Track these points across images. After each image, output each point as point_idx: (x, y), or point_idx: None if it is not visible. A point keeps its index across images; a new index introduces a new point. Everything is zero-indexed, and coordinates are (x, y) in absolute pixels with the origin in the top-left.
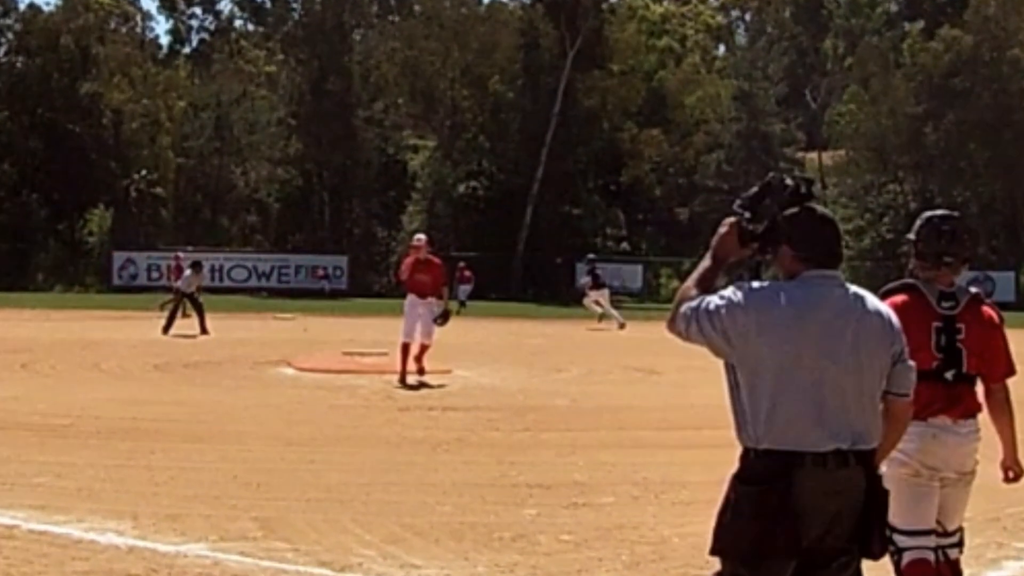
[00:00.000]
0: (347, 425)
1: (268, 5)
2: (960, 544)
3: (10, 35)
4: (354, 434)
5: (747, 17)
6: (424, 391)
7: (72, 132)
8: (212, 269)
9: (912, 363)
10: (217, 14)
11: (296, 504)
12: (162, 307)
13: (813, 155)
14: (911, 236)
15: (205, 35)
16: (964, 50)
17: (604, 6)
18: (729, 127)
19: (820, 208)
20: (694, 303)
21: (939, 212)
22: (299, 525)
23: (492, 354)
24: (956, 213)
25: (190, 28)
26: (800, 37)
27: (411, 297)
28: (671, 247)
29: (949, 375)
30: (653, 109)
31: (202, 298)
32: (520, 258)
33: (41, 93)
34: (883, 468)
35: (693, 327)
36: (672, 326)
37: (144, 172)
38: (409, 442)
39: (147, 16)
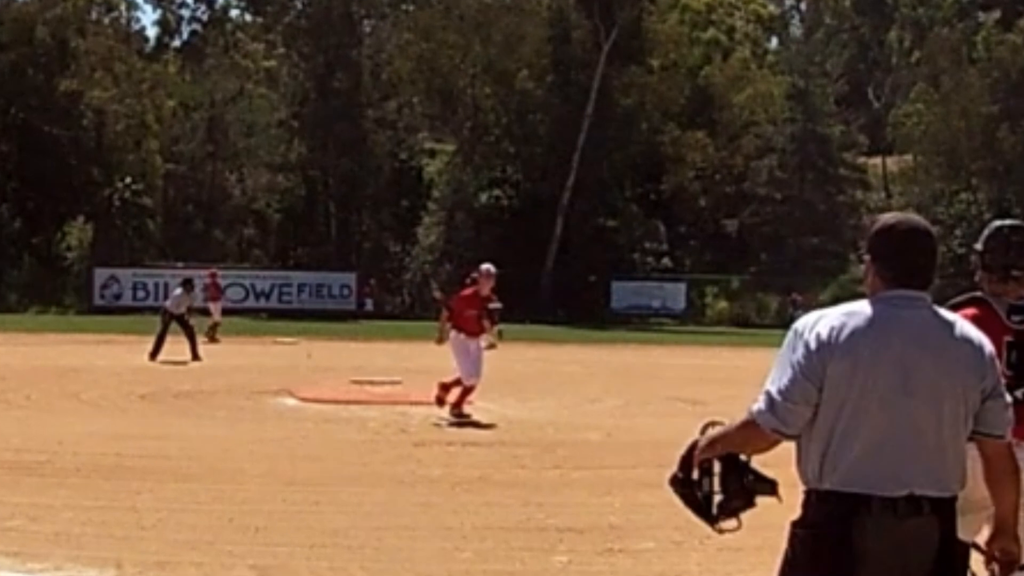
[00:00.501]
0: (356, 462)
1: None
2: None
3: None
4: (363, 472)
5: (803, 6)
6: (441, 425)
7: (49, 134)
8: (205, 288)
9: (1008, 399)
10: (211, 3)
11: (299, 550)
12: (210, 332)
13: (876, 161)
14: (978, 247)
15: (197, 26)
16: None
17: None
18: (783, 129)
19: (912, 217)
20: (767, 398)
21: (1009, 222)
22: (302, 573)
23: (518, 382)
24: (1021, 223)
25: (180, 19)
26: (862, 29)
27: (461, 336)
28: (717, 263)
29: (1020, 393)
30: (697, 109)
31: (193, 320)
32: (549, 275)
33: (14, 91)
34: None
35: (790, 419)
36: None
37: (129, 180)
38: (425, 481)
39: (132, 5)
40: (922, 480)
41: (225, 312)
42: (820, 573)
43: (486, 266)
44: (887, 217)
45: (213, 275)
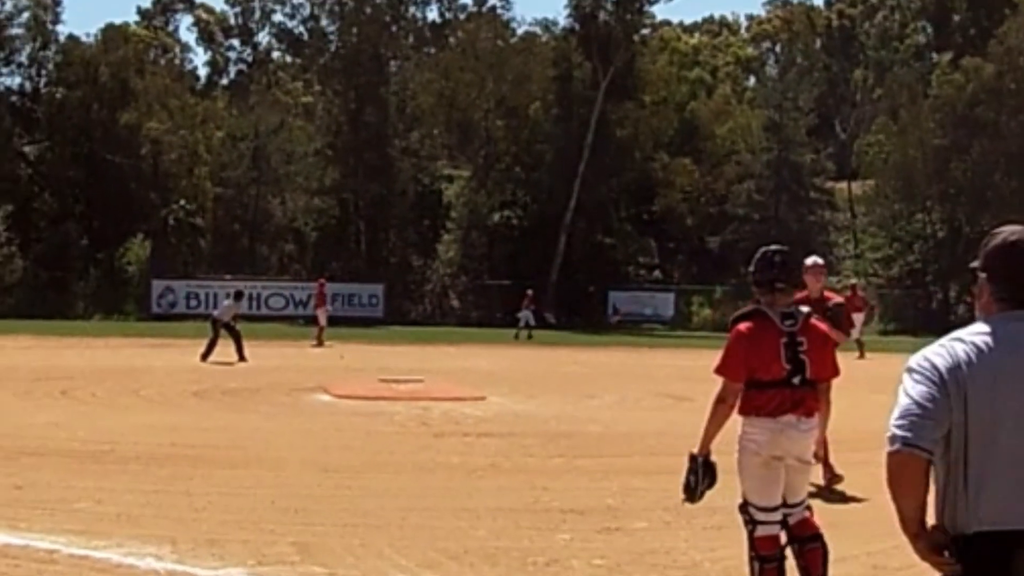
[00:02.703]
0: (383, 451)
1: (305, 37)
2: (806, 507)
3: (50, 66)
4: (390, 460)
5: (777, 49)
6: (464, 418)
7: (111, 162)
8: (250, 297)
9: None
10: (255, 46)
11: (333, 529)
12: (318, 336)
13: (843, 185)
14: (751, 268)
15: (243, 66)
16: (987, 80)
17: (636, 38)
18: (760, 157)
19: None
20: (896, 427)
21: (774, 247)
22: (336, 550)
23: (526, 381)
24: (786, 247)
25: (228, 60)
26: (830, 68)
27: None
28: (702, 275)
29: (796, 380)
30: (684, 139)
31: (239, 326)
32: (554, 286)
33: (81, 124)
34: (735, 456)
35: (924, 432)
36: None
37: (182, 202)
38: (444, 468)
39: (185, 48)
40: None
41: (267, 319)
42: None
43: (812, 259)
44: (1008, 232)
45: (321, 284)
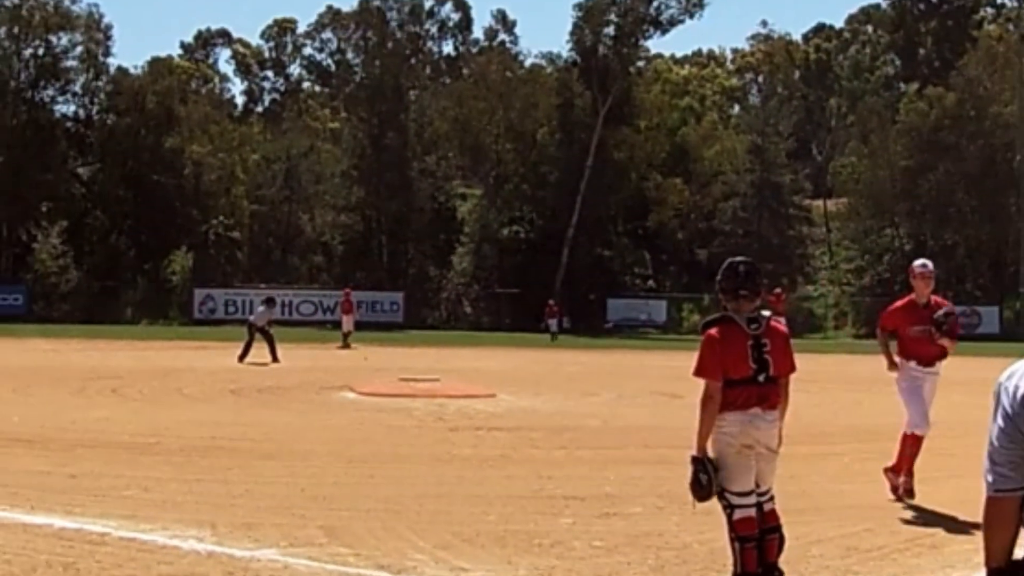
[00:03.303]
0: (403, 444)
1: (333, 69)
2: (771, 498)
3: (102, 95)
4: (409, 452)
5: (759, 79)
6: (476, 414)
7: (157, 182)
8: (282, 304)
9: None
10: (287, 76)
11: (357, 514)
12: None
13: (819, 203)
14: (718, 278)
15: (276, 95)
16: (948, 107)
17: (632, 70)
18: (744, 177)
19: None
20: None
21: (739, 259)
22: (360, 532)
23: (532, 380)
24: (750, 259)
25: (262, 89)
26: (807, 97)
27: (912, 365)
28: (692, 285)
29: (761, 378)
30: (676, 161)
31: (272, 330)
32: (557, 294)
33: (129, 147)
34: (710, 446)
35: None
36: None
37: (221, 218)
38: (458, 459)
39: (224, 78)
40: None
41: (298, 324)
42: None
43: (920, 263)
44: None
45: (347, 293)
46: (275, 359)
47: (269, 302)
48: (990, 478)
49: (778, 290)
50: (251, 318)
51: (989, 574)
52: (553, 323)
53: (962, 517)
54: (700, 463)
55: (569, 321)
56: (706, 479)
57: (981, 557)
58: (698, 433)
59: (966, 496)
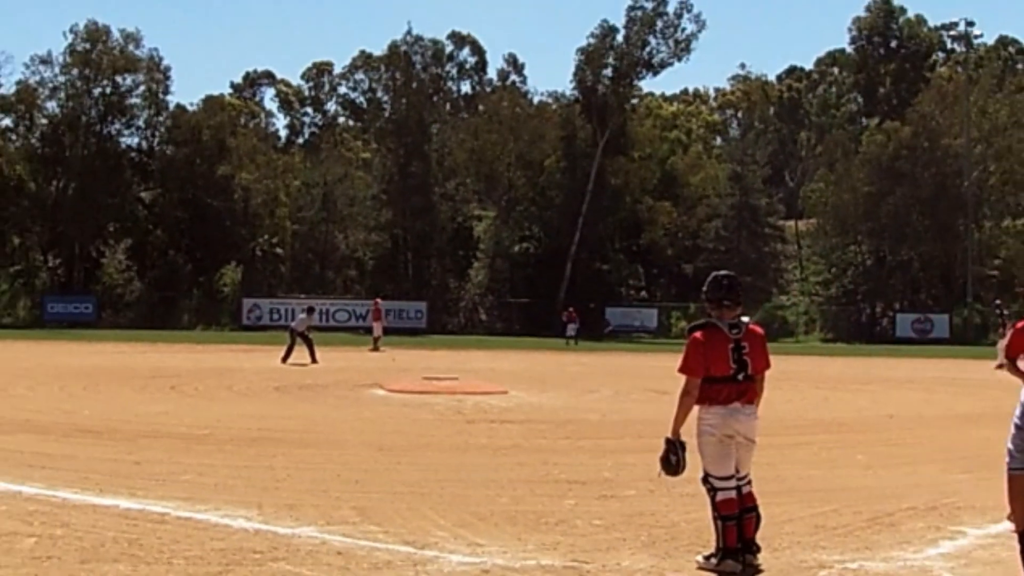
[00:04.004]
0: (426, 435)
1: (364, 105)
2: (749, 482)
3: (162, 129)
4: (431, 442)
5: (739, 115)
6: (490, 408)
7: (210, 205)
8: (320, 312)
9: None
10: (324, 112)
11: (386, 496)
12: (374, 344)
13: (791, 223)
14: (704, 289)
15: (314, 129)
16: (904, 139)
17: (627, 107)
18: (725, 201)
19: None
20: (1007, 450)
21: (722, 272)
22: (388, 512)
23: (540, 379)
24: (732, 273)
25: (303, 123)
26: (781, 131)
27: None
28: (680, 295)
29: (740, 377)
30: (665, 187)
31: (312, 335)
32: (562, 303)
33: (186, 175)
34: (696, 439)
35: None
36: None
37: (266, 236)
38: (474, 448)
39: (269, 114)
40: None
41: (334, 330)
42: None
43: None
44: None
45: (377, 302)
46: (314, 360)
47: (309, 310)
48: (1007, 459)
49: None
50: (293, 324)
51: (1020, 538)
52: (572, 328)
53: (916, 499)
54: (672, 444)
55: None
56: (675, 459)
57: (933, 534)
58: (674, 419)
59: (920, 480)
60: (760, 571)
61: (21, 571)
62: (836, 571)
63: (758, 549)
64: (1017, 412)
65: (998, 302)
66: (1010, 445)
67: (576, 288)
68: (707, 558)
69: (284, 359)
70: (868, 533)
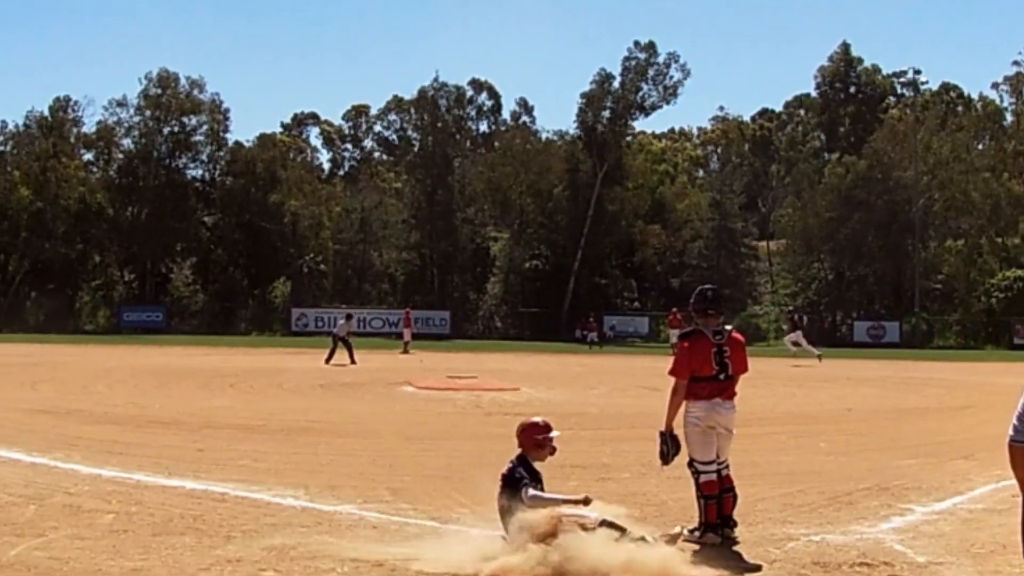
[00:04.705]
0: (449, 425)
1: (396, 142)
2: (728, 466)
3: (222, 163)
4: (453, 431)
5: (718, 150)
6: (504, 403)
7: (264, 228)
8: (359, 320)
9: None
10: (362, 148)
11: (415, 479)
12: (404, 348)
13: (763, 243)
14: (692, 300)
15: (353, 162)
16: (861, 172)
17: (622, 143)
18: (706, 224)
19: None
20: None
21: (707, 286)
22: (417, 492)
23: (547, 377)
24: (715, 286)
25: (343, 158)
26: (754, 164)
27: None
28: (668, 305)
29: (722, 376)
30: (655, 212)
31: (351, 339)
32: (566, 313)
33: (243, 202)
34: (682, 428)
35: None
36: None
37: (312, 255)
38: (491, 437)
39: (314, 150)
40: None
41: (370, 335)
42: None
43: None
44: None
45: (407, 312)
46: (352, 361)
47: (348, 317)
48: (1011, 431)
49: (674, 310)
50: (335, 330)
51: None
52: (593, 335)
53: (870, 481)
54: (664, 436)
55: (582, 333)
56: (666, 449)
57: (886, 511)
58: (667, 415)
59: (874, 465)
60: (737, 543)
61: (102, 543)
62: (802, 543)
63: (735, 524)
64: None
65: (791, 308)
66: (1016, 421)
67: (578, 299)
68: (691, 531)
69: (327, 360)
70: (829, 510)
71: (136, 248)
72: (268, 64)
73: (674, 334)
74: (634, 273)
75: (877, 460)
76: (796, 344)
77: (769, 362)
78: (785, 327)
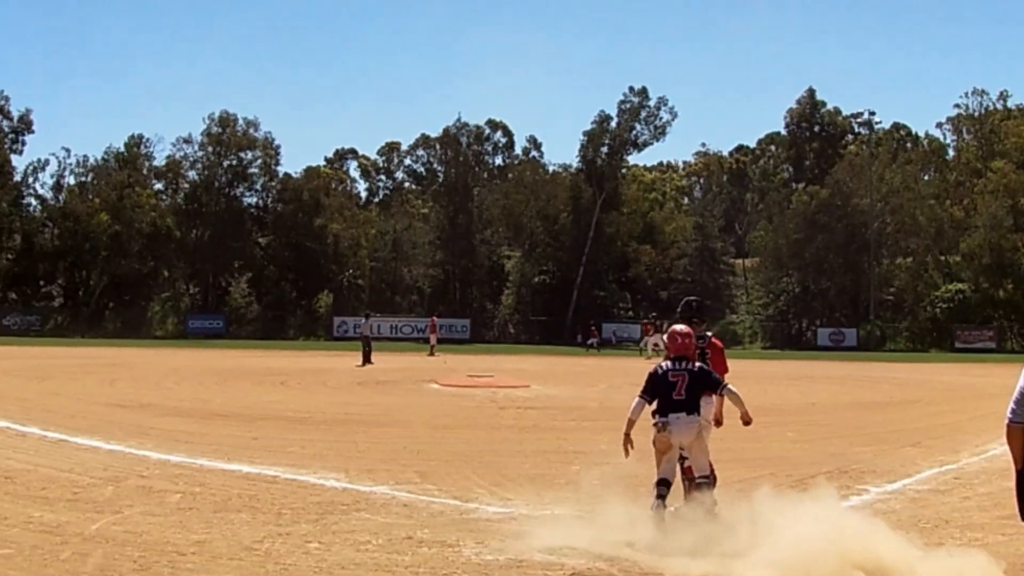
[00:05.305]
0: (468, 417)
1: (424, 174)
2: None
3: (273, 191)
4: (472, 422)
5: (701, 181)
6: (516, 399)
7: (310, 248)
8: (391, 327)
9: None
10: (394, 179)
11: (440, 463)
12: (431, 351)
13: (739, 261)
14: (678, 309)
15: (386, 191)
16: (824, 199)
17: (618, 174)
18: (690, 244)
19: None
20: (1011, 411)
21: (692, 297)
22: (442, 475)
23: (553, 376)
24: (698, 297)
25: (379, 187)
26: (732, 192)
27: None
28: (657, 314)
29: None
30: (646, 234)
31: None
32: (570, 321)
33: (292, 225)
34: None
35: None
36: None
37: (351, 271)
38: (505, 427)
39: (353, 180)
40: None
41: (401, 340)
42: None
43: None
44: None
45: (433, 320)
46: (365, 362)
47: (367, 316)
48: (1009, 414)
49: (645, 321)
50: (360, 330)
51: (1017, 475)
52: (594, 340)
53: (831, 465)
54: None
55: (582, 338)
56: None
57: (844, 491)
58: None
59: (835, 451)
60: (717, 516)
61: (170, 518)
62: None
63: (715, 503)
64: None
65: (654, 314)
66: (1013, 404)
67: (580, 309)
68: (676, 508)
69: (367, 363)
70: (794, 490)
71: (199, 265)
72: (314, 106)
73: (648, 340)
74: (628, 286)
75: (837, 447)
76: (656, 346)
77: (744, 363)
78: (650, 333)
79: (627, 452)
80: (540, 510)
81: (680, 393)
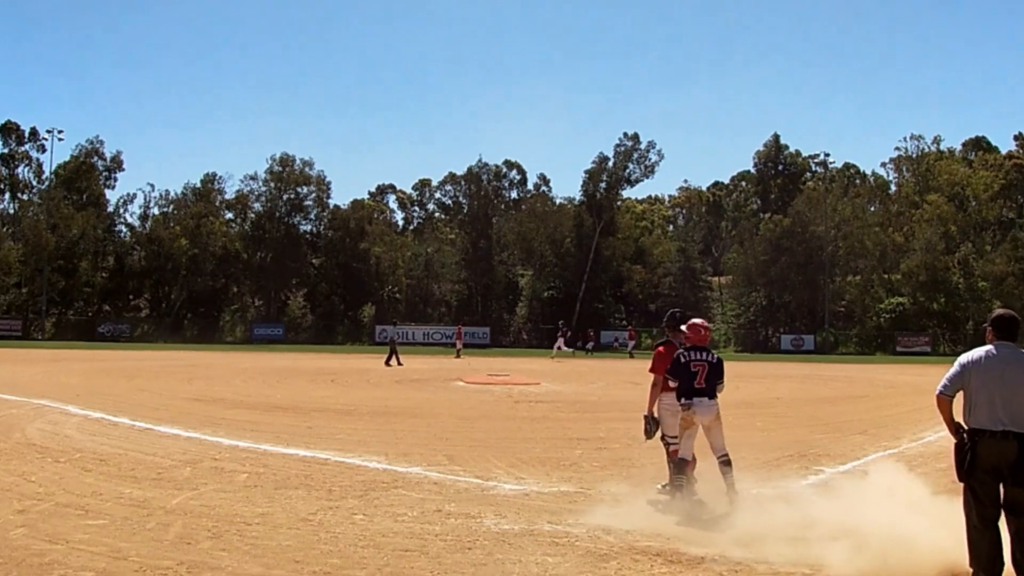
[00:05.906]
0: (489, 410)
1: (451, 205)
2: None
3: (325, 220)
4: (492, 414)
5: (683, 211)
6: (529, 394)
7: (356, 268)
8: (424, 334)
9: None
10: (426, 210)
11: (465, 448)
12: (457, 354)
13: (716, 278)
14: (665, 320)
15: (420, 220)
16: (786, 227)
17: (614, 206)
18: (675, 265)
19: (1007, 310)
20: (944, 383)
21: (676, 309)
22: (466, 458)
23: (560, 375)
24: (682, 309)
25: (413, 216)
26: (709, 221)
27: None
28: (647, 323)
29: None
30: (637, 256)
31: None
32: (572, 329)
33: (340, 248)
34: (656, 411)
35: (951, 390)
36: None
37: (390, 287)
38: (519, 418)
39: (392, 211)
40: (1009, 423)
41: (432, 345)
42: (960, 464)
43: None
44: (997, 311)
45: (459, 328)
46: (387, 364)
47: (393, 323)
48: (940, 387)
49: (630, 327)
50: (388, 337)
51: (955, 444)
52: (589, 344)
53: (792, 450)
54: (647, 419)
55: (581, 343)
56: (649, 427)
57: (803, 472)
58: (648, 402)
59: (796, 438)
60: (695, 494)
61: (238, 494)
62: (742, 495)
63: (694, 481)
64: (955, 365)
65: (561, 322)
66: (945, 381)
67: (582, 320)
68: (663, 487)
69: (395, 363)
70: (762, 471)
71: (263, 282)
72: (359, 148)
73: (630, 343)
74: (622, 300)
75: (798, 435)
76: (560, 348)
77: None
78: (560, 337)
79: (649, 432)
80: (549, 487)
81: (701, 382)
